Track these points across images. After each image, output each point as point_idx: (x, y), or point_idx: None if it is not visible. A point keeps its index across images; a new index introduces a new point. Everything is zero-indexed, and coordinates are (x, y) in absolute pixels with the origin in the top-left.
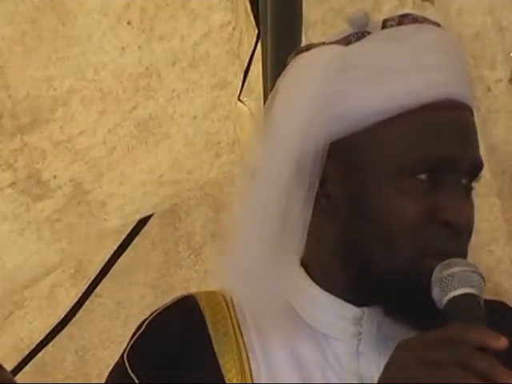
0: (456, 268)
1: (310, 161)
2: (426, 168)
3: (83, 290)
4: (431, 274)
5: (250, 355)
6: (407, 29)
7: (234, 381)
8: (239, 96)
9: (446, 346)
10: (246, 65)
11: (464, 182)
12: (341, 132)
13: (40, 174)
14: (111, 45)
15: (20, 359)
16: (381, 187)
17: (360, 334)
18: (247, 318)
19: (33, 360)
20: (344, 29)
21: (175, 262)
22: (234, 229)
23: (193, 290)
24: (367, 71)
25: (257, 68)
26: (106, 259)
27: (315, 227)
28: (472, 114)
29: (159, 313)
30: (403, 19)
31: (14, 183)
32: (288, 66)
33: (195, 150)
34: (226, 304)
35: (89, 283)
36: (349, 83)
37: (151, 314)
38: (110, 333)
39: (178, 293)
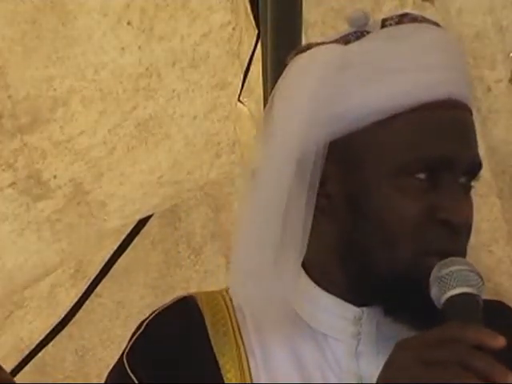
0: (454, 267)
1: (310, 161)
2: (425, 167)
3: (83, 290)
4: (431, 272)
5: (249, 355)
6: (406, 28)
7: (233, 381)
8: (239, 96)
9: (445, 345)
10: (245, 65)
11: (463, 181)
12: (340, 131)
13: (40, 174)
14: (111, 45)
15: (20, 359)
16: (380, 186)
17: (359, 334)
18: (247, 318)
19: (33, 360)
20: (344, 29)
21: (175, 262)
22: (234, 229)
23: (193, 290)
24: (366, 70)
25: (257, 68)
26: (106, 259)
27: (315, 227)
28: (471, 114)
29: (158, 313)
30: (402, 19)
31: (14, 183)
32: (287, 66)
33: (195, 150)
34: (226, 304)
35: (89, 283)
36: (348, 82)
37: (151, 315)
38: (110, 333)
39: (178, 293)
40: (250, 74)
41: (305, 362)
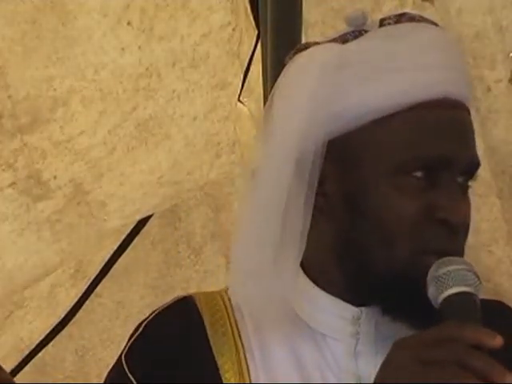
0: (451, 266)
1: (308, 160)
2: (422, 166)
3: (83, 290)
4: (427, 269)
5: (248, 355)
6: (404, 27)
7: (232, 381)
8: (239, 96)
9: (443, 344)
10: (245, 65)
11: (460, 180)
12: (339, 130)
13: (40, 174)
14: (111, 45)
15: (20, 359)
16: (378, 185)
17: (358, 333)
18: (246, 318)
19: (33, 360)
20: (344, 29)
21: (175, 261)
22: (234, 229)
23: (193, 290)
24: (364, 69)
25: (257, 68)
26: (106, 259)
27: (313, 226)
28: (469, 113)
29: (157, 314)
30: (400, 18)
31: (13, 183)
32: (286, 66)
33: (195, 150)
34: (225, 304)
35: (89, 283)
36: (346, 81)
37: (149, 315)
38: (110, 333)
39: (178, 293)
40: (250, 74)
41: (304, 362)
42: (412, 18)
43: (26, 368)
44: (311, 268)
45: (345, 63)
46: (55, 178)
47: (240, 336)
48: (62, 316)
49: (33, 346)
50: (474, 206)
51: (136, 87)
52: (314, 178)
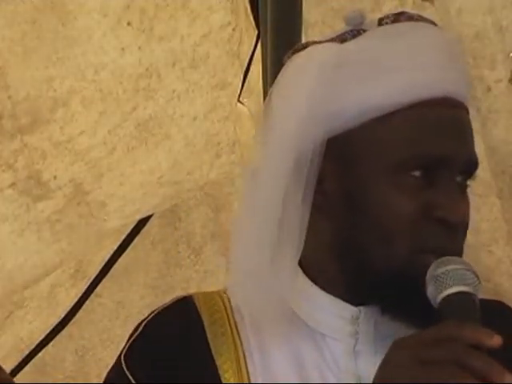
0: (450, 266)
1: (307, 159)
2: (420, 165)
3: (83, 290)
4: (427, 270)
5: (247, 355)
6: (403, 26)
7: (231, 381)
8: (239, 97)
9: (442, 344)
10: (245, 65)
11: (459, 179)
12: (337, 129)
13: (40, 174)
14: (111, 45)
15: (20, 359)
16: (376, 183)
17: (357, 333)
18: (245, 318)
19: (33, 360)
20: (343, 29)
21: (175, 261)
22: (233, 228)
23: (193, 290)
24: (363, 68)
25: (257, 68)
26: (106, 259)
27: (312, 225)
28: (468, 113)
29: (156, 314)
30: (399, 17)
31: (13, 184)
32: (284, 65)
33: (195, 150)
34: (224, 304)
35: (89, 283)
36: (345, 80)
37: (148, 315)
38: (109, 333)
39: (178, 293)
40: (249, 74)
41: (303, 362)
42: (410, 17)
43: (26, 368)
44: (310, 267)
45: (343, 62)
46: (55, 178)
47: (239, 336)
48: (62, 316)
49: (33, 346)
50: (473, 205)
51: (136, 87)
52: (312, 176)
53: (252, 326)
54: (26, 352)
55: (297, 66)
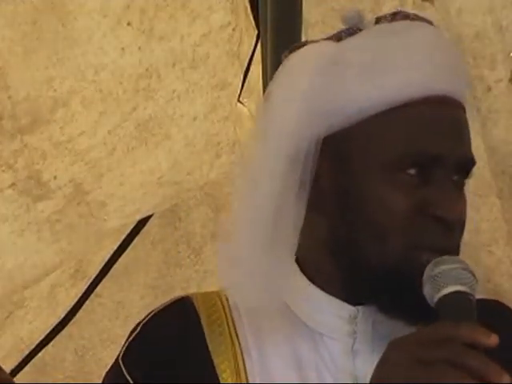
0: (447, 266)
1: (302, 157)
2: (415, 163)
3: (83, 290)
4: (423, 267)
5: (245, 355)
6: (398, 25)
7: (229, 381)
8: (239, 97)
9: (439, 344)
10: (245, 65)
11: (455, 177)
12: (334, 127)
13: (40, 174)
14: (111, 45)
15: (20, 359)
16: (372, 181)
17: (355, 332)
18: (243, 318)
19: (33, 360)
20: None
21: (175, 261)
22: (229, 227)
23: (193, 290)
24: (359, 66)
25: (257, 69)
26: (106, 259)
27: (308, 223)
28: (464, 112)
29: (154, 314)
30: (395, 16)
31: (14, 184)
32: (281, 64)
33: (195, 150)
34: (222, 304)
35: (89, 283)
36: (341, 78)
37: (146, 316)
38: (109, 333)
39: (178, 293)
40: (250, 74)
41: (301, 362)
42: (406, 16)
43: (26, 368)
44: (307, 266)
45: (339, 61)
46: (55, 178)
47: (237, 336)
48: (62, 316)
49: (33, 346)
50: (474, 206)
51: (136, 87)
52: (308, 174)
53: (250, 326)
54: (26, 352)
55: (293, 64)
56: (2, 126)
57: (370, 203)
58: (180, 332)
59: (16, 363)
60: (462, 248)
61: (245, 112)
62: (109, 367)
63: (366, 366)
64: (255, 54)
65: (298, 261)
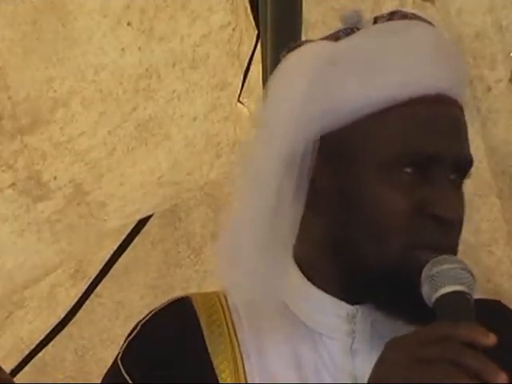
0: (445, 265)
1: (299, 157)
2: (412, 162)
3: (83, 290)
4: (422, 266)
5: (244, 355)
6: (396, 24)
7: (228, 381)
8: (239, 97)
9: (437, 343)
10: (245, 65)
11: (453, 177)
12: (331, 126)
13: (40, 175)
14: (111, 46)
15: (20, 359)
16: (370, 180)
17: (354, 332)
18: (242, 319)
19: (33, 360)
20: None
21: (175, 261)
22: (227, 227)
23: (193, 290)
24: (356, 65)
25: (257, 69)
26: (106, 259)
27: (306, 222)
28: (462, 111)
29: (153, 314)
30: (393, 16)
31: (14, 184)
32: (279, 64)
33: (195, 150)
34: (221, 305)
35: (89, 283)
36: (338, 78)
37: (145, 316)
38: (109, 333)
39: (178, 293)
40: (249, 74)
41: (300, 362)
42: (404, 16)
43: (26, 368)
44: (306, 266)
45: (337, 60)
46: (55, 178)
47: (236, 336)
48: (62, 316)
49: (33, 346)
50: (474, 206)
51: (136, 88)
52: (305, 174)
53: (250, 327)
54: (26, 352)
55: (291, 64)
56: (2, 126)
57: (368, 203)
58: (179, 332)
59: (16, 363)
60: (462, 248)
61: (245, 112)
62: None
63: (366, 366)
64: (255, 54)
65: (297, 261)
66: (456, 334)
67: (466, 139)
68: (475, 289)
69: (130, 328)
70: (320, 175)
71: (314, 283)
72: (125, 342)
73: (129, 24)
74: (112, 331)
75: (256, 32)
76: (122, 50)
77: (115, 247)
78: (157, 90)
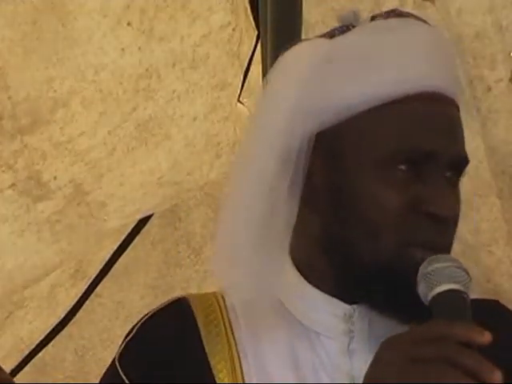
0: (440, 264)
1: (295, 154)
2: (407, 159)
3: (83, 290)
4: (416, 264)
5: (241, 355)
6: (392, 22)
7: (226, 381)
8: (239, 97)
9: (432, 342)
10: (245, 66)
11: (448, 175)
12: (326, 123)
13: (40, 175)
14: (111, 46)
15: (20, 359)
16: (364, 177)
17: (352, 331)
18: (239, 319)
19: (33, 360)
20: None
21: (175, 261)
22: (222, 226)
23: (193, 290)
24: (352, 62)
25: (257, 69)
26: (106, 259)
27: (302, 220)
28: (457, 109)
29: (151, 315)
30: (389, 14)
31: (14, 184)
32: (275, 62)
33: (195, 150)
34: (219, 305)
35: (89, 283)
36: (334, 74)
37: (143, 317)
38: (109, 333)
39: (178, 293)
40: (250, 74)
41: (298, 361)
42: (400, 14)
43: (26, 368)
44: (302, 264)
45: (332, 57)
46: (55, 178)
47: (234, 336)
48: (62, 316)
49: (33, 346)
50: (474, 206)
51: (136, 88)
52: (301, 171)
53: (247, 327)
54: (26, 352)
55: (287, 62)
56: (2, 126)
57: (363, 200)
58: (176, 333)
59: (16, 363)
60: (462, 248)
61: (245, 112)
62: None
63: (363, 366)
64: (255, 54)
65: (293, 258)
66: (451, 332)
67: (462, 138)
68: (471, 287)
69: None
70: (315, 172)
71: (309, 281)
72: (122, 342)
73: (129, 24)
74: (112, 331)
75: (256, 32)
76: (122, 50)
77: (115, 247)
78: (157, 90)
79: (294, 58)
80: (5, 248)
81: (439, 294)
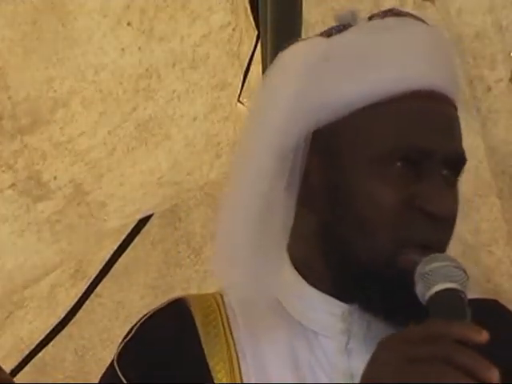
0: (437, 263)
1: (291, 153)
2: (404, 157)
3: (83, 290)
4: (412, 264)
5: (239, 355)
6: (389, 21)
7: (224, 381)
8: (239, 97)
9: (429, 341)
10: (245, 66)
11: (446, 173)
12: (323, 121)
13: (40, 175)
14: (111, 46)
15: (20, 359)
16: (361, 175)
17: (349, 330)
18: (238, 319)
19: (33, 360)
20: None
21: (175, 261)
22: (220, 225)
23: (193, 290)
24: (348, 61)
25: (257, 69)
26: (106, 259)
27: (299, 219)
28: (455, 108)
29: (150, 316)
30: (387, 13)
31: (14, 184)
32: (273, 61)
33: (195, 150)
34: (218, 306)
35: (89, 283)
36: (330, 73)
37: (142, 318)
38: (109, 333)
39: (178, 293)
40: (250, 74)
41: (296, 361)
42: (397, 14)
43: (26, 368)
44: (300, 263)
45: (329, 56)
46: (55, 178)
47: (232, 337)
48: (62, 316)
49: (33, 346)
50: (474, 206)
51: (136, 88)
52: (297, 170)
53: (245, 327)
54: (26, 352)
55: (284, 60)
56: (2, 126)
57: (359, 198)
58: (175, 333)
59: (16, 363)
60: (462, 248)
61: (245, 112)
62: None
63: (362, 365)
64: (255, 54)
65: (291, 257)
66: (448, 331)
67: (459, 136)
68: (469, 287)
69: None
70: (312, 171)
71: (307, 280)
72: (121, 343)
73: (129, 24)
74: (112, 331)
75: (256, 32)
76: (122, 50)
77: (115, 247)
78: (157, 90)
79: (291, 56)
80: (5, 248)
81: (436, 294)
